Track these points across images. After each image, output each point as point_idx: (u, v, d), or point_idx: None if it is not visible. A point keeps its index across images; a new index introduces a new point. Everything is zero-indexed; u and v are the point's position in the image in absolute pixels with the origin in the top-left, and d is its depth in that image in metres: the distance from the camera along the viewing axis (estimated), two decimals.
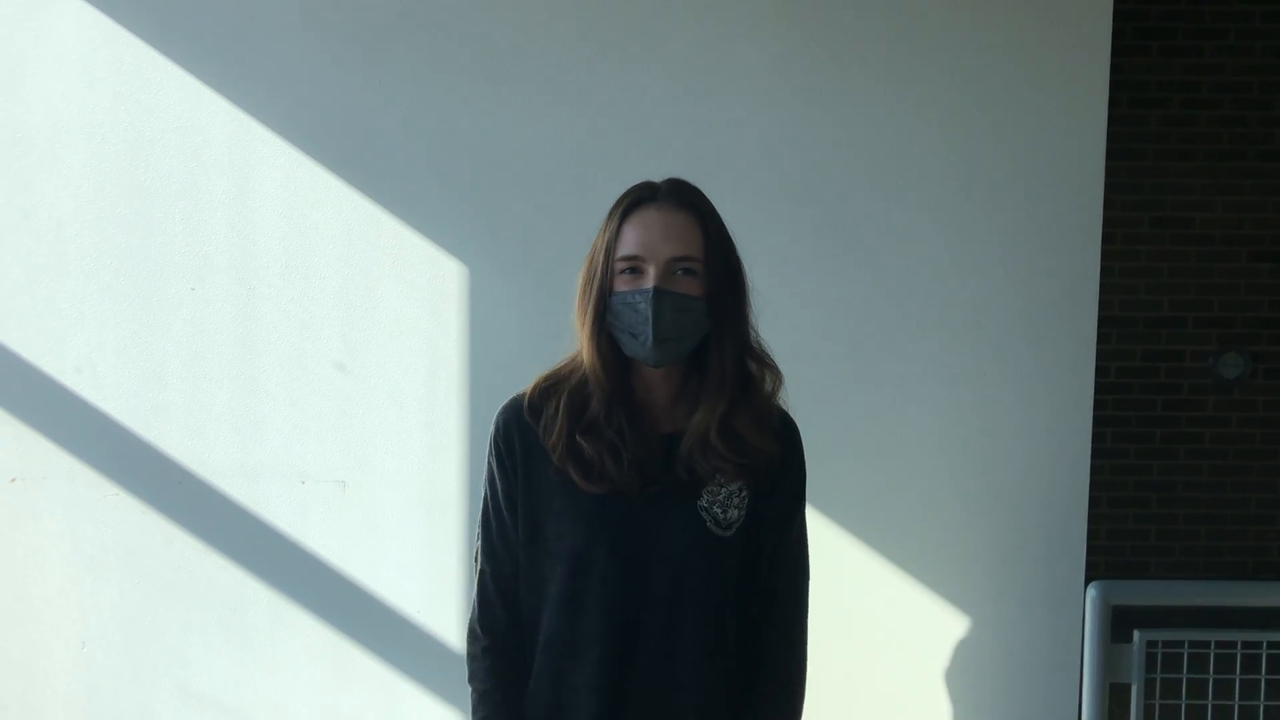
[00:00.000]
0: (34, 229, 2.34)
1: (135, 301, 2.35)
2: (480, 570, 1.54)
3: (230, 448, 2.37)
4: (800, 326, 2.32)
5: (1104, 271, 2.39)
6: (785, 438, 1.53)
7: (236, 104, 2.32)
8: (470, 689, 1.54)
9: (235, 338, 2.36)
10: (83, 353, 2.35)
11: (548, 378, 1.51)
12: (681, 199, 1.45)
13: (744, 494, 1.47)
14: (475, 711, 1.53)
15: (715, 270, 1.43)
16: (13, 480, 2.38)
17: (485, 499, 1.53)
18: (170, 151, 2.33)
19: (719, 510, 1.46)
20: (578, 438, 1.44)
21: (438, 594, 2.39)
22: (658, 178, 1.49)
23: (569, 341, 1.51)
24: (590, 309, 1.44)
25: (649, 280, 1.40)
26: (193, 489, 2.37)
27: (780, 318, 2.28)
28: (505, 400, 1.52)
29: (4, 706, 2.41)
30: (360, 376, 2.36)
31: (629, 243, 1.42)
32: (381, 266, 2.34)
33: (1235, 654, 2.40)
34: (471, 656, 1.54)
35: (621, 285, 1.42)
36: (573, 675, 1.46)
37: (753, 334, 1.51)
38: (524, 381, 1.53)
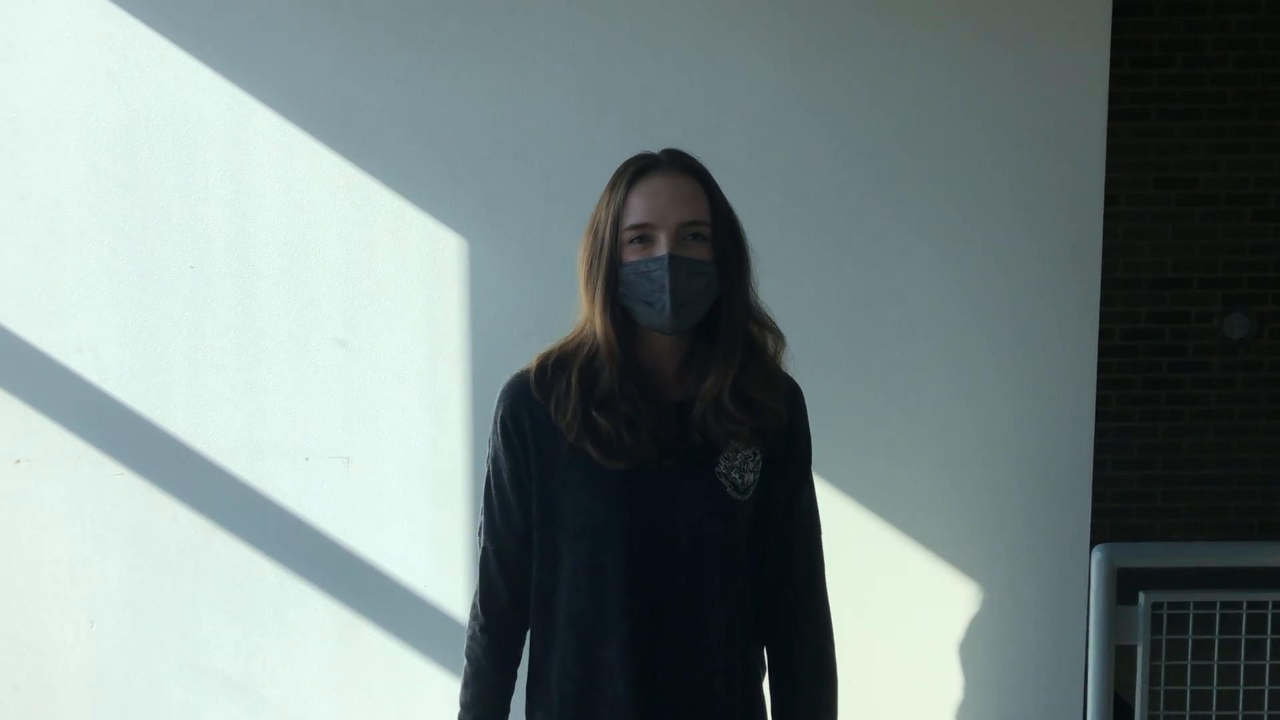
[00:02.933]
0: (31, 210, 2.33)
1: (135, 280, 2.34)
2: (483, 549, 1.54)
3: (233, 425, 2.37)
4: (803, 295, 2.31)
5: (1107, 233, 2.36)
6: (791, 400, 1.53)
7: (232, 80, 2.30)
8: (465, 662, 1.57)
9: (236, 315, 2.35)
10: (84, 333, 2.35)
11: (553, 353, 1.50)
12: (684, 164, 1.46)
13: (757, 458, 1.48)
14: (466, 687, 1.57)
15: (722, 233, 1.44)
16: (17, 462, 2.38)
17: (488, 479, 1.53)
18: (166, 129, 2.31)
19: (736, 475, 1.47)
20: (593, 413, 1.43)
21: (443, 567, 2.39)
22: (656, 150, 1.48)
23: (571, 313, 1.50)
24: (600, 281, 1.42)
25: (661, 248, 1.40)
26: (197, 467, 2.38)
27: (783, 283, 2.27)
28: (508, 378, 1.51)
29: (16, 685, 2.43)
30: (362, 352, 2.36)
31: (637, 211, 1.41)
32: (381, 241, 2.33)
33: (1241, 614, 2.40)
34: (470, 634, 1.57)
35: (631, 255, 1.42)
36: (604, 649, 1.46)
37: (754, 296, 1.51)
38: (526, 353, 1.52)
